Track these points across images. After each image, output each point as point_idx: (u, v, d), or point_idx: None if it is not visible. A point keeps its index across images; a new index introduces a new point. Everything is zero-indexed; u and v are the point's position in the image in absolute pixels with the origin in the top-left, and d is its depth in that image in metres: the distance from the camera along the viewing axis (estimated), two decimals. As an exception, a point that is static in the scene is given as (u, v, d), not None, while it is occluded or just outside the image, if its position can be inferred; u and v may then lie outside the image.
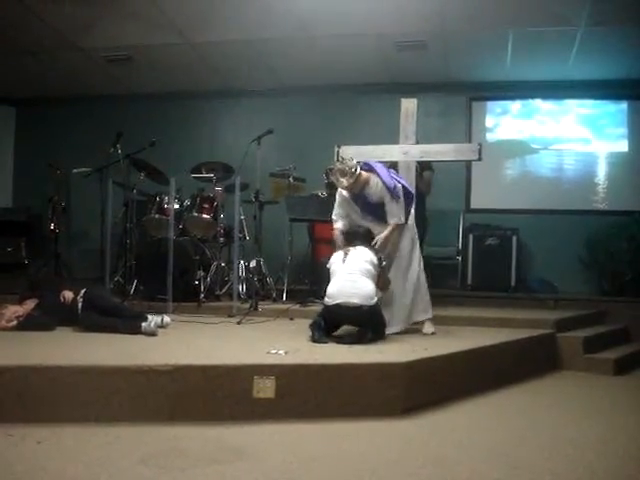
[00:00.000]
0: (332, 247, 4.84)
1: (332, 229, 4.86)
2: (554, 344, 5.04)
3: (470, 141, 7.85)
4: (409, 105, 5.29)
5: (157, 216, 6.34)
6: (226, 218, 6.45)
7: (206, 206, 6.35)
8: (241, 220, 6.34)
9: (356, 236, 4.63)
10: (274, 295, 6.34)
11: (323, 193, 6.45)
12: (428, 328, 4.80)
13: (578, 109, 8.31)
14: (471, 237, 7.73)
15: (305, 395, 3.32)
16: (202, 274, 6.05)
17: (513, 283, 7.49)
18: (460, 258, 7.81)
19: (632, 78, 7.64)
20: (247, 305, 5.66)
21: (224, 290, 6.27)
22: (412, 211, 4.86)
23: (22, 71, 8.23)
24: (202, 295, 5.94)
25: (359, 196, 4.69)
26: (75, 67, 8.01)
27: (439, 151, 5.30)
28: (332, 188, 6.33)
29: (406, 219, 4.68)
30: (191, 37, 7.10)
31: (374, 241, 4.57)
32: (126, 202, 6.35)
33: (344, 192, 4.75)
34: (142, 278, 6.04)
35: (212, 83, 8.59)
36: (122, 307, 4.90)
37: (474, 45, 7.10)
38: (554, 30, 6.55)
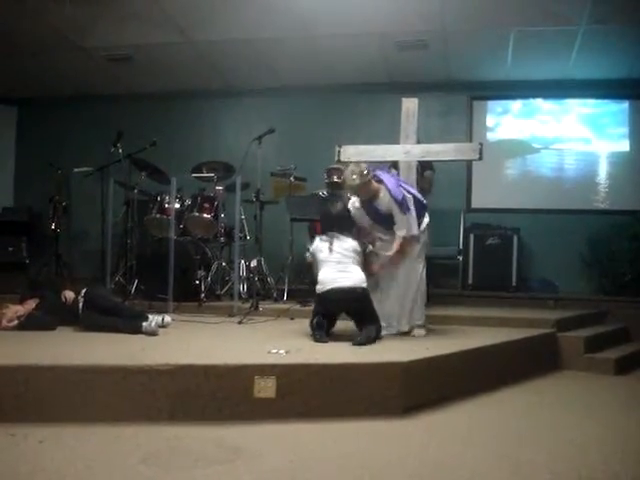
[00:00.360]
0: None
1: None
2: (555, 344, 5.04)
3: (471, 140, 7.85)
4: (410, 105, 5.29)
5: (158, 216, 6.34)
6: (227, 218, 6.46)
7: (207, 206, 6.35)
8: (242, 220, 6.35)
9: (332, 221, 4.59)
10: (275, 295, 6.34)
11: (324, 193, 6.46)
12: (419, 331, 4.72)
13: (579, 108, 8.30)
14: (472, 237, 7.73)
15: (306, 395, 3.32)
16: (203, 274, 6.06)
17: (514, 283, 7.49)
18: (461, 258, 7.80)
19: (633, 77, 7.64)
20: (248, 305, 5.66)
21: (225, 290, 6.27)
22: (425, 219, 4.82)
23: (23, 71, 8.24)
24: (203, 295, 5.95)
25: (370, 207, 4.68)
26: (76, 67, 8.02)
27: (440, 151, 5.29)
28: (333, 188, 6.35)
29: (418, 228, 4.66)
30: (192, 36, 7.10)
31: (375, 266, 4.59)
32: (127, 202, 6.35)
33: (357, 204, 4.74)
34: (143, 278, 6.05)
35: (213, 82, 8.59)
36: (123, 307, 4.91)
37: (475, 44, 7.10)
38: (555, 29, 6.55)
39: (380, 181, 4.64)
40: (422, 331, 4.73)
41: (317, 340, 4.18)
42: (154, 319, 4.42)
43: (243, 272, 6.33)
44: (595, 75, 7.70)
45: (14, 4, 6.26)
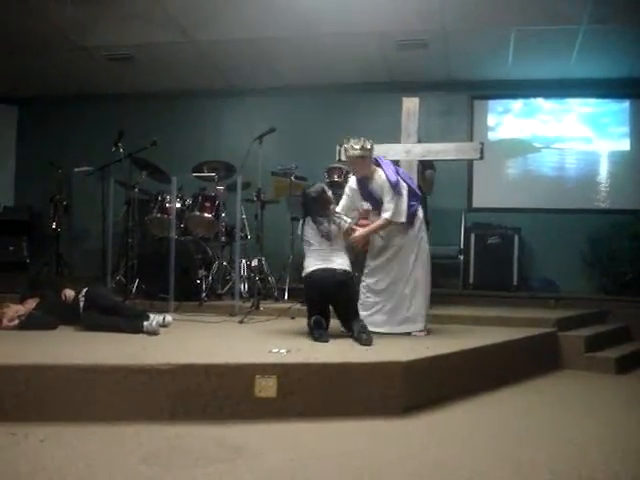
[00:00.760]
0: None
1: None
2: (556, 343, 5.04)
3: (472, 140, 7.85)
4: (411, 104, 5.30)
5: (159, 215, 6.34)
6: (228, 217, 6.46)
7: (208, 205, 6.35)
8: (243, 219, 6.35)
9: (311, 203, 4.57)
10: (276, 294, 6.34)
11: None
12: (419, 332, 4.73)
13: (580, 108, 8.30)
14: (473, 236, 7.73)
15: (306, 394, 3.32)
16: (204, 273, 6.07)
17: (515, 282, 7.48)
18: (462, 257, 7.80)
19: (634, 77, 7.63)
20: (249, 304, 5.67)
21: (226, 289, 6.28)
22: (420, 215, 4.80)
23: (24, 70, 8.23)
24: (204, 294, 5.95)
25: (364, 189, 4.70)
26: (77, 66, 8.01)
27: (441, 150, 5.30)
28: (333, 187, 6.34)
29: (409, 221, 4.65)
30: (194, 36, 7.10)
31: (352, 236, 4.56)
32: (128, 201, 6.35)
33: (353, 184, 4.78)
34: (144, 277, 6.05)
35: (214, 82, 8.59)
36: (124, 306, 4.91)
37: (475, 44, 7.10)
38: (556, 29, 6.54)
39: (379, 165, 4.67)
40: (422, 332, 4.73)
41: (317, 339, 4.18)
42: (155, 318, 4.42)
43: (244, 271, 6.33)
44: (596, 74, 7.70)
45: (16, 3, 6.27)
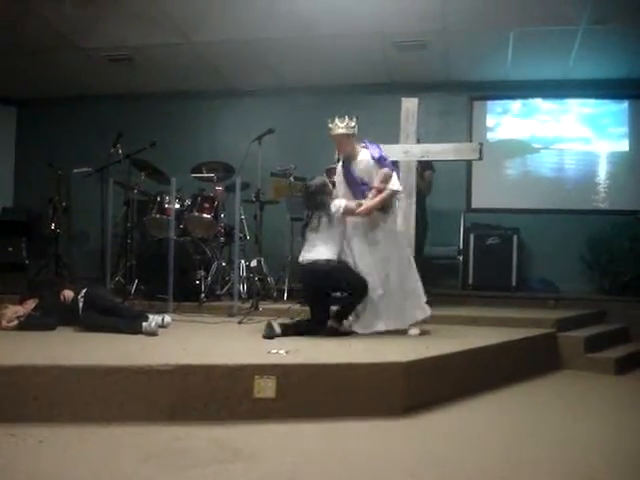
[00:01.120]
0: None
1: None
2: (555, 343, 5.04)
3: (471, 140, 7.85)
4: (410, 105, 5.30)
5: (158, 216, 6.34)
6: (227, 218, 6.46)
7: (207, 206, 6.35)
8: (242, 220, 6.34)
9: (310, 196, 4.68)
10: (275, 295, 6.34)
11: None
12: (414, 330, 4.71)
13: (579, 108, 8.30)
14: (472, 237, 7.73)
15: (306, 395, 3.32)
16: (203, 274, 6.06)
17: (514, 283, 7.49)
18: (461, 258, 7.80)
19: (633, 77, 7.64)
20: (248, 305, 5.67)
21: (225, 290, 6.27)
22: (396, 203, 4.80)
23: (23, 71, 8.23)
24: (203, 295, 5.95)
25: (347, 171, 4.74)
26: (76, 67, 8.02)
27: (440, 150, 5.30)
28: (332, 187, 6.34)
29: (385, 210, 4.65)
30: (192, 37, 7.10)
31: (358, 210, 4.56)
32: (127, 202, 6.36)
33: (339, 170, 4.81)
34: (143, 278, 6.05)
35: (213, 83, 8.59)
36: (123, 307, 4.91)
37: (474, 44, 7.10)
38: (555, 29, 6.54)
39: (365, 147, 4.73)
40: (416, 330, 4.71)
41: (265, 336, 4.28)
42: (154, 319, 4.41)
43: (243, 272, 6.33)
44: (595, 75, 7.70)
45: (14, 4, 6.26)
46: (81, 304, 4.59)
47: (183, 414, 3.18)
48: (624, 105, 8.17)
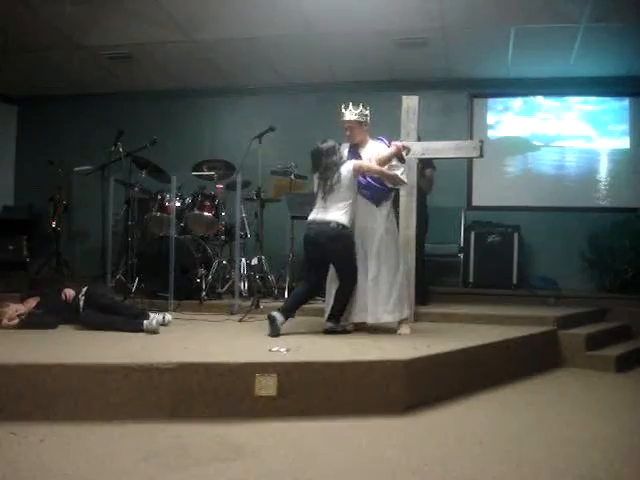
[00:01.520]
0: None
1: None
2: (556, 341, 5.04)
3: (471, 138, 7.84)
4: (410, 102, 5.29)
5: (159, 214, 6.34)
6: (227, 216, 6.46)
7: (207, 204, 6.35)
8: (242, 218, 6.34)
9: (321, 156, 4.64)
10: (276, 293, 6.33)
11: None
12: (404, 329, 4.68)
13: (580, 106, 8.30)
14: (473, 234, 7.73)
15: (307, 393, 3.32)
16: (203, 272, 6.06)
17: (515, 280, 7.49)
18: (462, 255, 7.80)
19: (634, 75, 7.63)
20: (249, 303, 5.66)
21: (225, 288, 6.27)
22: (387, 204, 4.75)
23: (23, 69, 8.23)
24: (204, 293, 5.94)
25: (353, 155, 4.74)
26: (77, 65, 7.99)
27: (440, 148, 5.29)
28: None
29: (377, 203, 4.65)
30: (192, 35, 7.09)
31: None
32: (127, 200, 6.35)
33: (345, 152, 4.77)
34: (144, 276, 6.04)
35: (214, 80, 8.59)
36: (124, 305, 4.92)
37: (475, 42, 7.09)
38: (556, 27, 6.53)
39: (380, 140, 4.75)
40: (407, 329, 4.68)
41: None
42: (155, 317, 4.43)
43: (244, 270, 6.33)
44: (595, 73, 7.70)
45: (15, 3, 6.26)
46: (82, 302, 4.60)
47: (184, 412, 3.19)
48: (625, 102, 8.16)
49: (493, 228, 7.73)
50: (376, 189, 4.65)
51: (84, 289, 4.69)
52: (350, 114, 4.68)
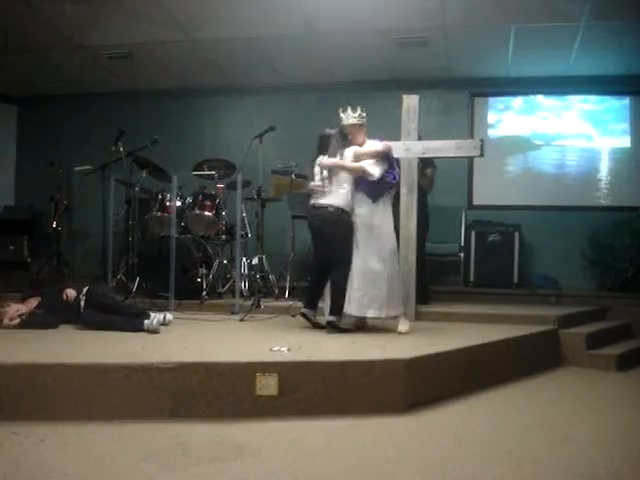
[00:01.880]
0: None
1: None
2: (557, 340, 5.04)
3: (472, 137, 7.83)
4: (411, 101, 5.29)
5: (159, 214, 6.34)
6: (228, 215, 6.46)
7: (208, 203, 6.35)
8: (243, 217, 6.35)
9: (327, 140, 4.76)
10: (276, 292, 6.34)
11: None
12: (403, 326, 4.63)
13: (580, 105, 8.29)
14: (473, 234, 7.73)
15: (308, 392, 3.32)
16: (204, 272, 6.06)
17: (515, 279, 7.49)
18: (462, 255, 7.79)
19: (634, 74, 7.62)
20: (249, 302, 5.66)
21: (226, 287, 6.28)
22: (386, 199, 4.71)
23: (23, 69, 8.23)
24: (204, 293, 5.95)
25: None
26: (77, 65, 8.00)
27: (441, 147, 5.29)
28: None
29: (373, 199, 4.62)
30: (193, 34, 7.08)
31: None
32: (128, 200, 6.35)
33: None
34: (144, 276, 6.04)
35: (214, 80, 8.58)
36: (124, 305, 4.93)
37: (475, 41, 7.08)
38: (556, 26, 6.52)
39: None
40: (405, 325, 4.63)
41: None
42: (156, 317, 4.43)
43: (244, 270, 6.33)
44: (596, 71, 7.69)
45: (15, 2, 6.25)
46: (83, 302, 4.60)
47: (185, 412, 3.19)
48: (625, 101, 8.16)
49: (494, 227, 7.72)
50: (372, 184, 4.64)
51: (85, 289, 4.69)
52: (349, 118, 4.71)
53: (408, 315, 4.83)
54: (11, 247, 7.99)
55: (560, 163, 8.29)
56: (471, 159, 7.70)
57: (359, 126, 4.73)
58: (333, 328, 4.52)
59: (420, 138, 5.32)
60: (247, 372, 3.26)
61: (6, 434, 2.86)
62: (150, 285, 5.98)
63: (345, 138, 4.74)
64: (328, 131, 4.79)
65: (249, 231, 6.63)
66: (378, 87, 8.22)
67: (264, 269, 6.42)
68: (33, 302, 4.58)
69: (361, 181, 4.65)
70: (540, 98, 8.41)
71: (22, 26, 6.82)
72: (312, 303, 4.80)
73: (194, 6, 6.41)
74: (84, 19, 6.67)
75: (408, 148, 5.21)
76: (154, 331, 4.31)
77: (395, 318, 4.66)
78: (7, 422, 2.98)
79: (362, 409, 3.35)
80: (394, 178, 4.73)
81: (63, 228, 7.57)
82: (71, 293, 4.67)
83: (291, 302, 5.74)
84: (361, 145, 4.74)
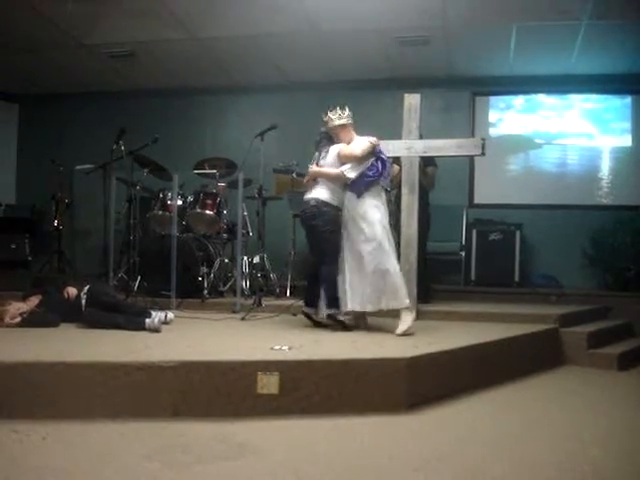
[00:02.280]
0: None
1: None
2: (558, 339, 5.03)
3: (473, 136, 7.84)
4: (412, 100, 5.28)
5: (160, 212, 6.35)
6: (229, 214, 6.46)
7: (209, 202, 6.35)
8: (244, 216, 6.34)
9: (319, 137, 4.89)
10: (277, 291, 6.34)
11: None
12: (402, 325, 4.42)
13: (582, 104, 8.29)
14: (474, 232, 7.73)
15: (309, 391, 3.32)
16: (205, 270, 6.06)
17: (517, 278, 7.50)
18: (463, 253, 7.80)
19: (635, 72, 7.62)
20: (250, 301, 5.66)
21: (227, 286, 6.28)
22: (374, 191, 4.65)
23: (25, 68, 8.24)
24: (205, 291, 5.95)
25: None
26: (78, 63, 8.01)
27: (442, 146, 5.28)
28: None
29: (357, 192, 4.59)
30: (195, 33, 7.09)
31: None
32: (129, 198, 6.35)
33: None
34: (145, 274, 6.04)
35: (215, 78, 8.59)
36: (126, 303, 4.92)
37: (477, 40, 7.09)
38: (557, 24, 6.52)
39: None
40: (405, 325, 4.43)
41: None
42: (157, 316, 4.42)
43: (246, 268, 6.33)
44: (597, 70, 7.69)
45: (17, 1, 6.25)
46: (84, 301, 4.61)
47: (187, 410, 3.19)
48: (627, 100, 8.16)
49: (495, 226, 7.73)
50: (361, 181, 4.63)
51: (86, 287, 4.69)
52: (331, 121, 4.73)
53: (411, 309, 4.60)
54: (12, 246, 7.98)
55: (561, 162, 8.30)
56: (472, 158, 7.70)
57: (344, 126, 4.72)
58: (334, 321, 4.54)
59: (421, 137, 5.31)
60: (248, 371, 3.26)
61: (7, 433, 2.86)
62: (151, 284, 5.99)
63: (330, 138, 4.80)
64: (322, 130, 4.87)
65: (250, 230, 6.62)
66: (380, 86, 8.23)
67: (265, 268, 6.42)
68: (34, 300, 4.58)
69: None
70: (541, 97, 8.42)
71: (24, 25, 6.83)
72: (312, 301, 4.80)
73: (196, 5, 6.42)
74: (86, 18, 6.68)
75: (409, 147, 5.20)
76: (155, 330, 4.31)
77: (397, 314, 4.54)
78: (8, 421, 2.98)
79: (363, 408, 3.34)
80: (376, 171, 4.65)
81: (64, 227, 7.56)
82: (72, 291, 4.67)
83: (292, 301, 5.74)
84: (348, 143, 4.72)
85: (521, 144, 8.43)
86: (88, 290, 4.66)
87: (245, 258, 6.33)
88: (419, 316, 5.23)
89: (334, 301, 4.55)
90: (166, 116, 8.76)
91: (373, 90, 8.29)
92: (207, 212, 6.34)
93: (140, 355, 3.37)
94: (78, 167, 6.86)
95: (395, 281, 4.47)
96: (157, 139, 6.12)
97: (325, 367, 3.39)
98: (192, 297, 5.84)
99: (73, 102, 9.12)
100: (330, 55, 7.63)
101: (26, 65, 8.13)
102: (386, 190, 4.84)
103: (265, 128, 5.95)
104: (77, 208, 8.35)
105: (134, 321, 4.39)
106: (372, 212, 4.59)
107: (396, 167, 5.50)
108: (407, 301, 4.48)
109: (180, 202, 6.33)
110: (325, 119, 4.75)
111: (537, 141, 8.39)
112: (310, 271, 4.95)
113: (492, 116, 8.55)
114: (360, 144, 4.64)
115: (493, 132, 8.48)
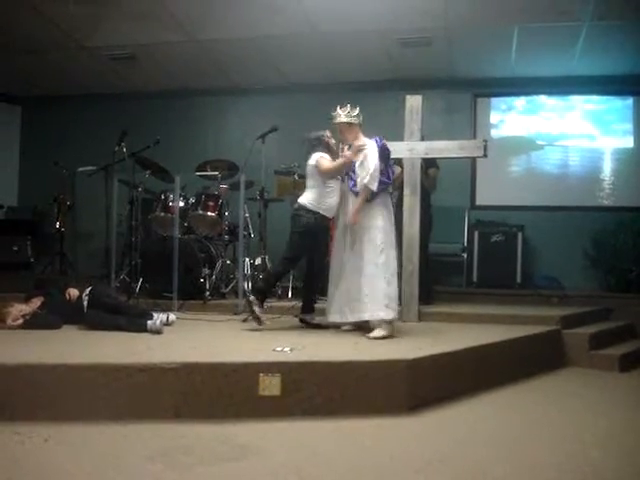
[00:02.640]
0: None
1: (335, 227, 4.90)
2: (560, 341, 5.03)
3: (475, 138, 7.83)
4: (414, 102, 5.29)
5: (162, 214, 6.35)
6: (231, 216, 6.46)
7: (211, 204, 6.35)
8: (246, 218, 6.35)
9: (306, 142, 4.90)
10: (279, 292, 6.34)
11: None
12: (377, 330, 4.35)
13: (583, 105, 8.28)
14: (476, 234, 7.73)
15: (311, 392, 3.32)
16: (207, 272, 6.07)
17: (518, 280, 7.49)
18: (465, 255, 7.80)
19: (637, 74, 7.61)
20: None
21: (229, 288, 6.28)
22: (380, 200, 4.60)
23: (27, 70, 8.25)
24: (207, 293, 5.96)
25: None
26: (80, 66, 8.03)
27: (444, 148, 5.29)
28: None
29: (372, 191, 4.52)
30: (195, 35, 7.10)
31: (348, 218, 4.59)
32: (131, 200, 6.35)
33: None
34: (147, 276, 6.05)
35: (217, 80, 8.59)
36: (127, 305, 4.93)
37: (478, 41, 7.09)
38: (559, 26, 6.52)
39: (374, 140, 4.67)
40: (381, 330, 4.35)
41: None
42: (159, 317, 4.43)
43: (247, 270, 6.33)
44: (599, 71, 7.69)
45: (19, 3, 6.27)
46: (86, 302, 4.61)
47: (188, 412, 3.19)
48: (629, 101, 8.15)
49: (497, 227, 7.73)
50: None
51: (88, 289, 4.70)
52: (337, 116, 4.67)
53: (386, 326, 4.39)
54: (14, 247, 7.99)
55: (563, 163, 8.29)
56: (474, 159, 7.69)
57: (349, 124, 4.65)
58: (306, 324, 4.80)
59: (423, 138, 5.32)
60: (250, 372, 3.26)
61: (9, 434, 2.86)
62: (153, 285, 6.00)
63: (314, 147, 4.78)
64: (314, 134, 4.86)
65: (252, 231, 6.63)
66: (381, 87, 8.23)
67: (267, 269, 6.42)
68: (36, 302, 4.58)
69: (352, 180, 4.62)
70: (543, 98, 8.42)
71: (25, 27, 6.85)
72: (306, 307, 4.93)
73: (196, 7, 6.43)
74: (87, 20, 6.69)
75: (411, 149, 5.21)
76: (157, 331, 4.31)
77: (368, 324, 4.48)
78: (10, 422, 2.98)
79: (365, 409, 3.34)
80: (387, 177, 4.61)
81: (66, 228, 7.56)
82: (74, 293, 4.67)
83: (294, 302, 5.74)
84: (354, 143, 4.67)
85: (523, 145, 8.42)
86: (90, 292, 4.67)
87: (247, 259, 6.33)
88: (421, 317, 5.25)
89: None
90: (168, 118, 8.77)
91: (374, 92, 8.28)
92: (209, 214, 6.34)
93: (142, 357, 3.37)
94: (80, 169, 6.87)
95: (388, 293, 4.39)
96: (159, 141, 6.13)
97: (327, 369, 3.39)
98: (194, 299, 5.85)
99: (74, 104, 9.14)
100: (330, 57, 7.63)
101: (27, 67, 8.14)
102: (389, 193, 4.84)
103: (266, 130, 5.96)
104: (79, 210, 8.35)
105: (136, 323, 4.39)
106: (376, 224, 4.53)
107: (398, 169, 5.50)
108: (393, 314, 4.40)
109: (182, 204, 6.33)
110: (333, 113, 4.70)
111: (539, 142, 8.38)
112: (304, 276, 5.03)
113: (494, 117, 8.55)
114: (334, 162, 4.65)
115: (495, 133, 8.47)
